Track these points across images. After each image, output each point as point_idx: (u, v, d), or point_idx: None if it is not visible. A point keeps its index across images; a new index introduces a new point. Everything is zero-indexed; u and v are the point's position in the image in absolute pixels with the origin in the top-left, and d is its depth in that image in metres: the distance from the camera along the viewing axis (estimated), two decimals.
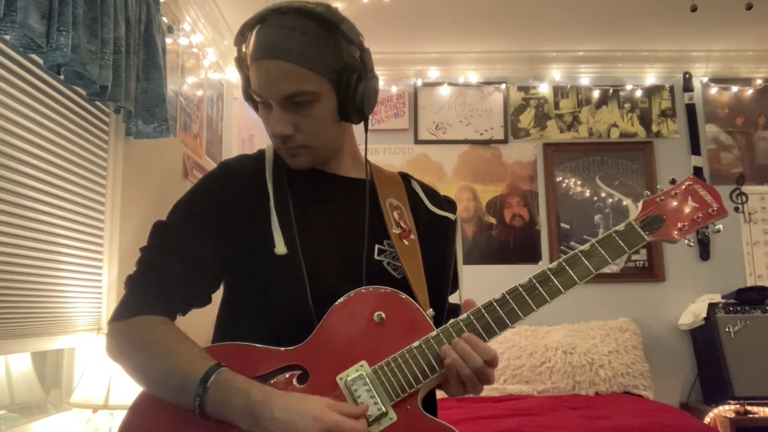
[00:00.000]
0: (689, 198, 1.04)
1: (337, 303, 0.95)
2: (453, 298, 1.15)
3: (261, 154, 1.09)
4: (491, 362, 0.91)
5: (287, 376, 0.91)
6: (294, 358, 0.92)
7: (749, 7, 2.28)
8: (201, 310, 1.04)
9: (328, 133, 1.02)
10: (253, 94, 0.99)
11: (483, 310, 0.95)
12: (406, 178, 1.18)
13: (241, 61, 1.03)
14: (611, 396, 3.03)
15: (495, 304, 0.95)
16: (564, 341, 3.21)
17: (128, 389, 1.75)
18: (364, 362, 0.92)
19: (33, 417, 1.90)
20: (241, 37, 1.00)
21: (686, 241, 1.03)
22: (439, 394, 1.05)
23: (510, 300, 0.95)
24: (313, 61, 0.94)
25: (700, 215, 1.03)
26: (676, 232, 1.01)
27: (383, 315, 0.94)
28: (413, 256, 1.04)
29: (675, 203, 1.04)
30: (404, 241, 1.04)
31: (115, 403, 1.77)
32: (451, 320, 0.95)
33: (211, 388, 0.85)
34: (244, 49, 1.01)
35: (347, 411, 0.85)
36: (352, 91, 0.98)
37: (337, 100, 0.98)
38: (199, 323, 1.15)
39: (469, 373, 0.90)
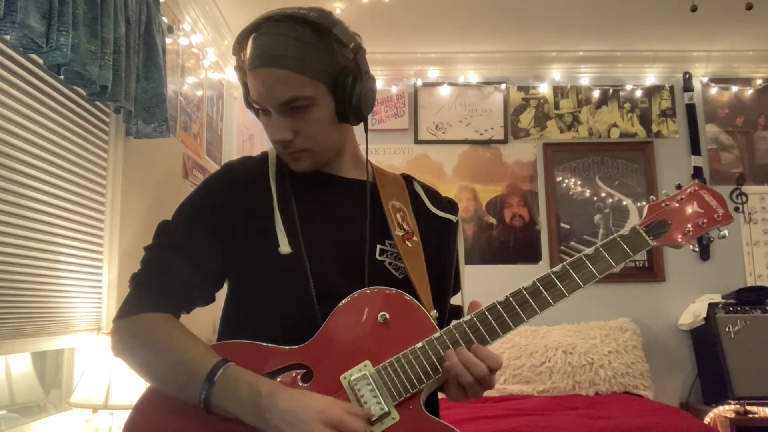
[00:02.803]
0: (694, 203, 1.05)
1: (341, 303, 0.96)
2: (455, 300, 1.15)
3: (264, 155, 1.11)
4: (496, 369, 0.92)
5: (291, 374, 0.92)
6: (298, 357, 0.93)
7: (749, 7, 2.28)
8: (204, 309, 1.05)
9: (327, 136, 1.03)
10: (252, 102, 1.01)
11: (486, 312, 0.95)
12: (408, 179, 1.19)
13: (240, 70, 1.03)
14: (611, 396, 3.03)
15: (498, 306, 0.95)
16: (564, 341, 3.21)
17: (128, 389, 1.75)
18: (367, 362, 0.93)
19: (33, 417, 1.90)
20: (238, 46, 1.01)
21: (690, 246, 1.04)
22: (441, 393, 1.06)
23: (514, 303, 0.95)
24: (307, 66, 0.95)
25: (705, 220, 1.03)
26: (680, 237, 1.02)
27: (387, 316, 0.95)
28: (416, 258, 1.04)
29: (680, 208, 1.05)
30: (407, 242, 1.05)
31: (115, 403, 1.76)
32: (454, 322, 0.95)
33: (218, 382, 0.86)
34: (242, 58, 1.01)
35: (351, 410, 0.86)
36: (348, 94, 0.99)
37: (334, 103, 1.00)
38: (201, 325, 1.15)
39: (471, 380, 0.91)
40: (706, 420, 2.98)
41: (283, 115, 0.98)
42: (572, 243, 3.61)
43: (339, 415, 0.83)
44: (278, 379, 0.91)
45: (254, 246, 1.00)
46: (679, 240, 1.02)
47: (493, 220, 3.66)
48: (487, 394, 3.31)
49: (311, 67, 0.96)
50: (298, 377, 0.92)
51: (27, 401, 2.00)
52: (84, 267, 1.97)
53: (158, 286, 0.98)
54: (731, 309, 3.17)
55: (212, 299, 1.05)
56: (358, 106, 1.01)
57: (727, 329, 3.11)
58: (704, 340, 3.26)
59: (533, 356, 3.16)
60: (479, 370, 0.90)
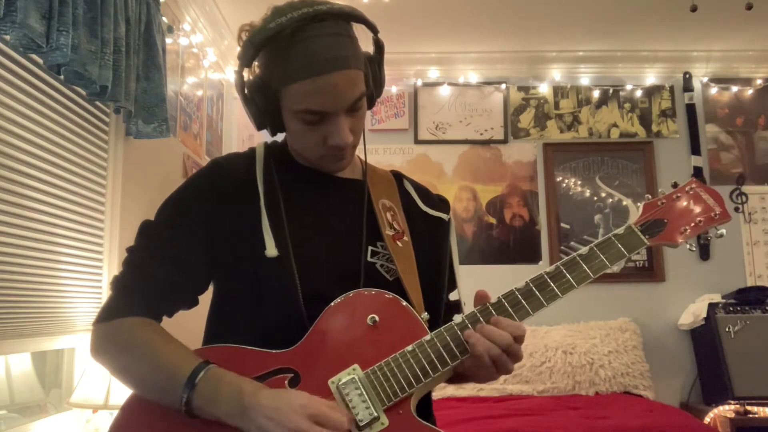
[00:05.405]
0: (691, 201, 1.02)
1: (330, 306, 0.93)
2: (453, 296, 1.14)
3: (252, 152, 1.07)
4: (520, 339, 0.91)
5: (278, 379, 0.90)
6: (285, 361, 0.91)
7: (749, 7, 2.28)
8: (192, 312, 1.03)
9: (363, 127, 1.02)
10: (306, 113, 0.93)
11: (478, 314, 0.93)
12: (398, 177, 1.17)
13: (273, 82, 0.94)
14: (611, 396, 3.03)
15: (491, 308, 0.93)
16: (564, 341, 3.21)
17: (128, 389, 1.75)
18: (356, 366, 0.90)
19: (33, 417, 1.90)
20: (272, 58, 0.93)
21: (688, 246, 1.01)
22: (442, 393, 1.05)
23: (506, 304, 0.94)
24: (360, 60, 0.95)
25: (702, 219, 1.00)
26: (677, 236, 0.99)
27: (377, 318, 0.93)
28: (407, 258, 1.02)
29: (676, 207, 1.02)
30: (398, 242, 1.03)
31: (115, 403, 1.76)
32: (446, 324, 0.93)
33: (200, 384, 0.85)
34: (279, 66, 0.92)
35: (335, 407, 0.85)
36: (381, 81, 1.02)
37: (372, 91, 1.01)
38: (188, 328, 1.15)
39: (499, 352, 0.89)
40: (706, 420, 2.98)
41: (347, 115, 0.95)
42: (572, 243, 3.61)
43: (323, 410, 0.82)
44: (265, 384, 0.88)
45: (240, 248, 0.97)
46: (676, 239, 0.99)
47: (493, 220, 3.66)
48: (487, 393, 3.30)
49: (361, 59, 0.96)
50: (285, 381, 0.90)
51: (27, 401, 2.00)
52: (84, 267, 1.97)
53: (139, 290, 0.95)
54: (731, 309, 3.17)
55: (195, 302, 1.02)
56: (381, 90, 1.03)
57: (727, 329, 3.11)
58: (704, 340, 3.26)
59: (533, 356, 3.16)
60: (505, 340, 0.89)
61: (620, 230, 1.00)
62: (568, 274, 0.95)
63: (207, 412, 0.85)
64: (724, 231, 1.01)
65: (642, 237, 0.99)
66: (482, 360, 0.90)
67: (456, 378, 0.99)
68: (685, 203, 1.03)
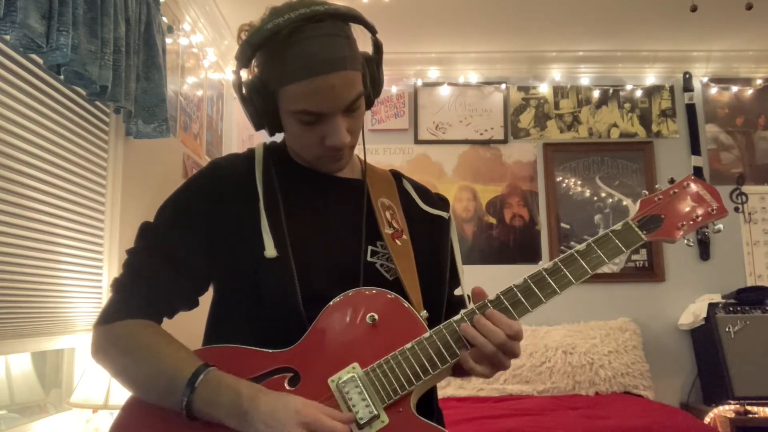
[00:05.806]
0: (688, 197, 1.03)
1: (329, 305, 0.93)
2: (458, 292, 1.14)
3: (251, 153, 1.07)
4: (515, 336, 0.90)
5: (278, 378, 0.90)
6: (285, 361, 0.91)
7: (749, 7, 2.28)
8: (192, 312, 1.03)
9: (361, 128, 1.02)
10: (303, 114, 0.94)
11: (477, 311, 0.93)
12: (397, 176, 1.17)
13: (270, 83, 0.94)
14: (611, 396, 3.03)
15: (489, 305, 0.93)
16: (564, 341, 3.21)
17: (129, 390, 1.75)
18: (356, 364, 0.90)
19: (33, 417, 1.90)
20: (269, 59, 0.93)
21: (685, 241, 1.01)
22: (442, 393, 1.05)
23: (504, 301, 0.93)
24: (357, 61, 0.95)
25: (699, 214, 1.01)
26: (675, 232, 0.99)
27: (376, 316, 0.93)
28: (406, 257, 1.02)
29: (674, 202, 1.02)
30: (397, 241, 1.03)
31: (115, 403, 1.77)
32: (444, 322, 0.93)
33: (199, 387, 0.85)
34: (276, 66, 0.92)
35: (331, 413, 0.84)
36: (379, 81, 1.02)
37: (370, 92, 1.01)
38: (188, 329, 1.14)
39: (492, 349, 0.89)
40: (706, 420, 2.98)
41: (344, 116, 0.95)
42: (572, 243, 3.61)
43: (316, 416, 0.82)
44: (265, 383, 0.89)
45: (239, 248, 0.97)
46: (674, 234, 0.99)
47: (493, 220, 3.66)
48: (487, 393, 3.29)
49: (358, 60, 0.96)
50: (285, 381, 0.90)
51: (27, 401, 2.00)
52: (84, 267, 1.97)
53: (139, 292, 0.96)
54: (731, 309, 3.17)
55: (196, 304, 1.02)
56: (380, 89, 1.03)
57: (727, 329, 3.11)
58: (704, 340, 3.26)
59: (533, 356, 3.16)
60: (497, 337, 0.88)
61: (617, 226, 1.00)
62: (566, 270, 0.95)
63: (207, 414, 0.86)
64: (721, 226, 1.01)
65: (639, 232, 0.99)
66: (478, 354, 0.90)
67: (458, 371, 0.98)
68: (682, 199, 1.03)
